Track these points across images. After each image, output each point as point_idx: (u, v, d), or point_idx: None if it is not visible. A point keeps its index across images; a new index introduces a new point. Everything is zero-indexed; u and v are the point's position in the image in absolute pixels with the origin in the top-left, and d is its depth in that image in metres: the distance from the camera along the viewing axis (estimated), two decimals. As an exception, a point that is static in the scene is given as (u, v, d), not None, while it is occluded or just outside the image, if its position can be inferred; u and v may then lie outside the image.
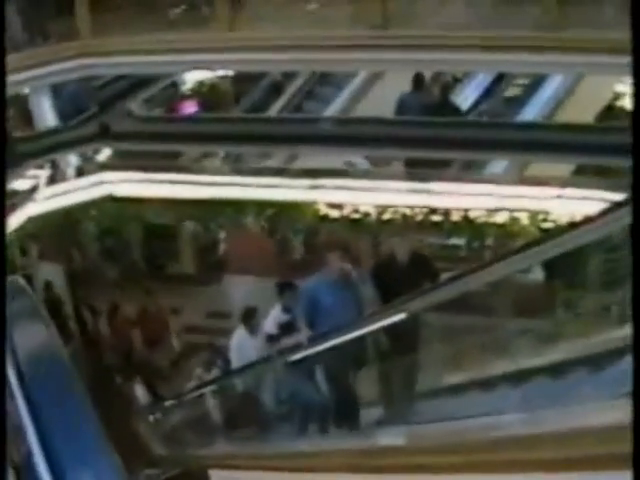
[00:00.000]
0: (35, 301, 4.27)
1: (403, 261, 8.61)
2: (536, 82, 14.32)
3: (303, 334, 8.57)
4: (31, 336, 3.82)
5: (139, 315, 15.88)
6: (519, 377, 6.21)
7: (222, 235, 18.29)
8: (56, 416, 2.96)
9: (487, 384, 6.67)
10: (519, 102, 14.44)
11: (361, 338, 7.83)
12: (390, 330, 7.56)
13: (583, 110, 13.51)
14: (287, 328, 9.79)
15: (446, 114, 13.81)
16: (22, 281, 4.96)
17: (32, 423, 2.95)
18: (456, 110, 14.31)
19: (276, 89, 17.46)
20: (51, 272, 16.97)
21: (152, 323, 15.55)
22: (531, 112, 13.96)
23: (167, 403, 13.33)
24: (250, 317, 11.45)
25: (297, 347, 8.82)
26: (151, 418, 13.76)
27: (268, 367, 10.04)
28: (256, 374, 10.51)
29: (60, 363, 3.39)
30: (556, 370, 6.44)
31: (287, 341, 9.52)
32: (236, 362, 11.40)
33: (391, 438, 6.31)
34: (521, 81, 14.77)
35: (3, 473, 2.98)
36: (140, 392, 14.42)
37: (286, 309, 10.17)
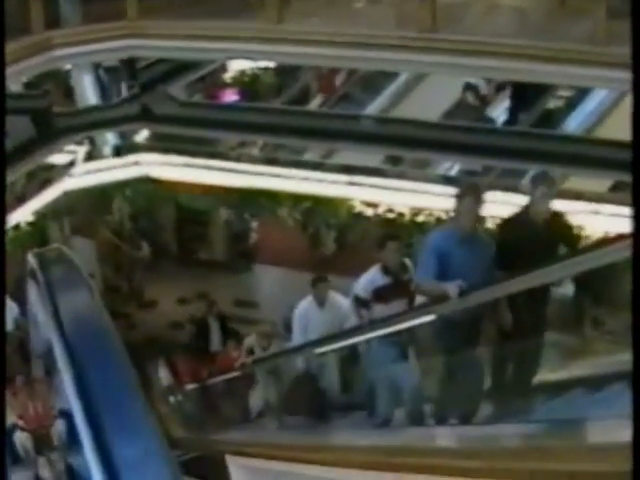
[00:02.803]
0: (79, 268, 4.31)
1: (539, 221, 7.04)
2: (579, 95, 14.27)
3: (452, 291, 6.67)
4: (75, 302, 3.86)
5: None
6: (547, 389, 6.24)
7: (254, 225, 18.40)
8: (100, 379, 3.00)
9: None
10: (560, 114, 14.40)
11: (477, 311, 6.81)
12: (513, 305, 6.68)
13: (625, 126, 13.45)
14: (384, 293, 8.33)
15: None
16: (65, 249, 5.01)
17: (75, 388, 2.99)
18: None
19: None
20: (83, 247, 17.11)
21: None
22: (572, 125, 13.93)
23: (191, 386, 13.43)
24: (318, 285, 10.20)
25: (395, 317, 7.61)
26: (172, 400, 13.86)
27: (345, 341, 8.69)
28: (323, 351, 9.20)
29: (105, 329, 3.42)
30: (586, 384, 6.45)
31: (382, 310, 8.17)
32: (299, 335, 10.20)
33: (510, 438, 5.53)
34: (564, 93, 14.71)
35: (3, 473, 3.05)
36: (163, 373, 14.52)
37: (386, 270, 8.45)
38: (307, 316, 10.14)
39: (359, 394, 9.13)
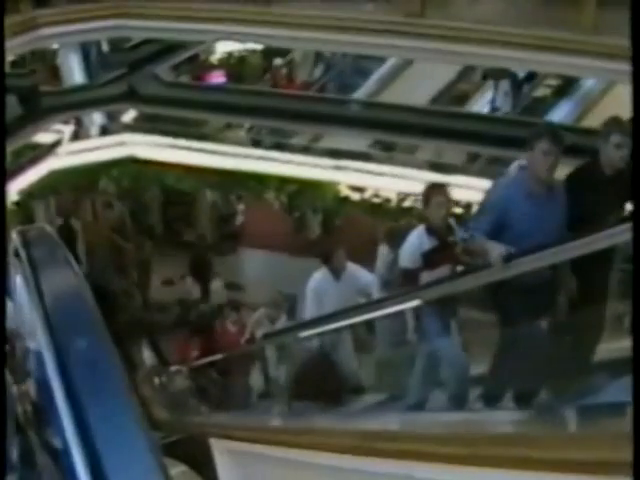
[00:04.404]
0: (63, 248, 4.30)
1: (609, 173, 6.05)
2: (567, 84, 14.32)
3: (495, 253, 5.73)
4: (59, 282, 3.85)
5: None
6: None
7: (240, 207, 18.39)
8: (81, 358, 3.00)
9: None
10: (548, 103, 14.45)
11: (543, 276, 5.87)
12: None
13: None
14: (433, 257, 7.21)
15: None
16: (49, 228, 5.00)
17: (56, 366, 2.99)
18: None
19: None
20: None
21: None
22: (559, 114, 13.96)
23: (174, 368, 13.41)
24: (332, 257, 9.30)
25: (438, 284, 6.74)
26: (157, 381, 13.85)
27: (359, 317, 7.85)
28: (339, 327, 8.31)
29: (87, 308, 3.42)
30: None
31: (430, 275, 7.10)
32: (313, 310, 9.26)
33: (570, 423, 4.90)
34: (552, 82, 14.76)
35: (3, 473, 3.05)
36: (147, 354, 14.51)
37: (431, 230, 7.33)
38: (321, 289, 9.29)
39: (383, 375, 8.67)
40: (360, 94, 15.25)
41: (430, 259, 7.20)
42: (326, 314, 8.62)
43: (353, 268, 9.41)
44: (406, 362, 7.65)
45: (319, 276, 9.35)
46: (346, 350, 8.97)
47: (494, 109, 15.16)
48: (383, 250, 9.35)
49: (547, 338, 6.18)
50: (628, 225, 5.25)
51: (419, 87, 14.76)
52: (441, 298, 6.77)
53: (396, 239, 8.36)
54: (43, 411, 3.62)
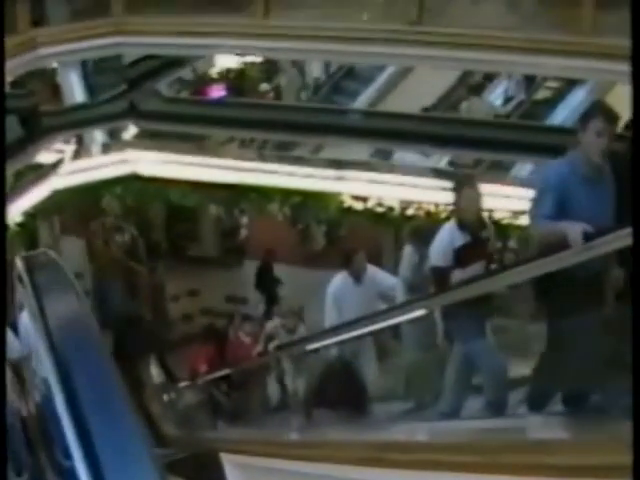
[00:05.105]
0: (66, 273, 4.30)
1: None
2: (568, 86, 14.29)
3: (574, 231, 5.15)
4: (63, 307, 3.86)
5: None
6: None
7: (245, 220, 18.39)
8: (86, 383, 3.02)
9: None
10: (549, 105, 14.42)
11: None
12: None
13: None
14: (465, 254, 6.86)
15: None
16: (52, 253, 5.01)
17: (62, 391, 3.00)
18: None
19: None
20: (72, 247, 17.06)
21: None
22: (560, 116, 13.93)
23: (183, 383, 13.37)
24: (352, 259, 9.01)
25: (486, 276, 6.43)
26: (165, 397, 13.83)
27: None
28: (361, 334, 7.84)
29: (93, 335, 3.43)
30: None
31: (463, 274, 6.72)
32: (333, 316, 8.91)
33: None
34: (552, 84, 14.74)
35: (3, 473, 3.04)
36: (155, 371, 14.49)
37: (463, 225, 6.94)
38: (341, 294, 8.95)
39: (409, 382, 8.38)
40: (360, 103, 15.25)
41: (462, 256, 6.84)
42: (345, 322, 8.25)
43: (373, 271, 9.18)
44: (435, 368, 7.42)
45: (338, 280, 9.06)
46: (368, 358, 8.71)
47: (508, 98, 15.17)
48: (407, 250, 8.93)
49: (597, 335, 5.71)
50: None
51: (419, 94, 14.76)
52: (475, 298, 6.38)
53: (422, 238, 8.14)
54: (51, 432, 3.63)
